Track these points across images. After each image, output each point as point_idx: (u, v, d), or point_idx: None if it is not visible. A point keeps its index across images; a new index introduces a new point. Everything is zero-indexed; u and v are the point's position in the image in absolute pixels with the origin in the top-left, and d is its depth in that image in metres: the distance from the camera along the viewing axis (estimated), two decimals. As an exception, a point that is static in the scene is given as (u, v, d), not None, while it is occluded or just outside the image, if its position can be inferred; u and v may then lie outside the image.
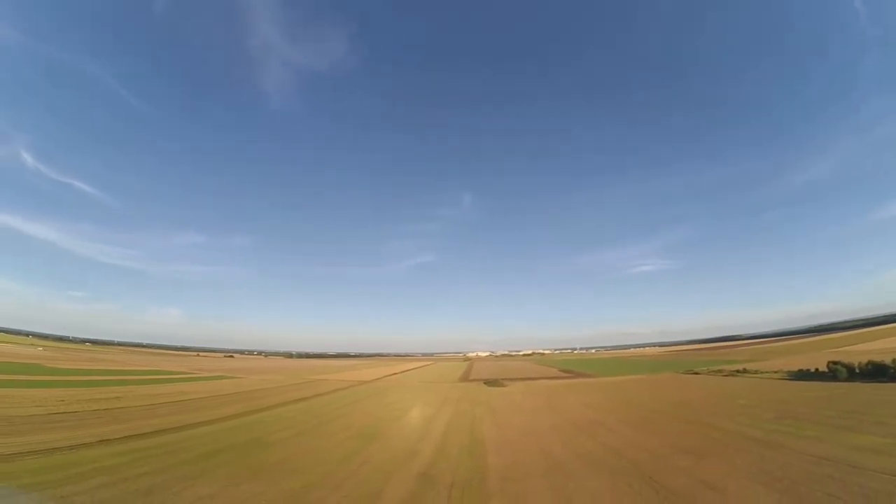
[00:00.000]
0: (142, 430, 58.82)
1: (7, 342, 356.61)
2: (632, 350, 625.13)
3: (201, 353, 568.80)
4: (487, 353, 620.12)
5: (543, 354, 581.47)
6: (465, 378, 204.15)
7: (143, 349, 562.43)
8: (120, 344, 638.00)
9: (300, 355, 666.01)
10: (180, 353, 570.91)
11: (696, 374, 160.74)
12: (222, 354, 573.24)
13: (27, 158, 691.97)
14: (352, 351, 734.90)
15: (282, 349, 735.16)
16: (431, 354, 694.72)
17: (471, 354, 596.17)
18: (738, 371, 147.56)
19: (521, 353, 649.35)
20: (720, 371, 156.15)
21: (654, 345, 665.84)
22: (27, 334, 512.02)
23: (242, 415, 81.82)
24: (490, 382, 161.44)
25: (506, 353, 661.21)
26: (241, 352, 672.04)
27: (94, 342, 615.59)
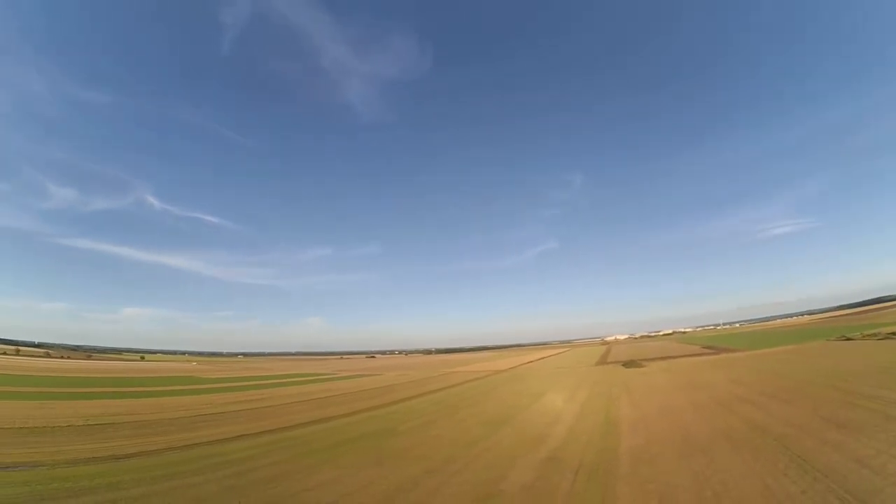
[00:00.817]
0: (278, 426, 60.92)
1: (166, 360, 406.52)
2: (778, 321, 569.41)
3: (344, 357, 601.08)
4: (626, 336, 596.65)
5: (685, 333, 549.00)
6: (602, 361, 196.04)
7: (290, 357, 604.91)
8: (269, 354, 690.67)
9: (438, 351, 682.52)
10: (325, 357, 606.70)
11: (849, 339, 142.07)
12: (364, 356, 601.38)
13: (154, 202, 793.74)
14: (488, 343, 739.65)
15: (420, 347, 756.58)
16: (569, 342, 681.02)
17: (609, 338, 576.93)
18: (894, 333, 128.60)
19: (660, 333, 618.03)
20: (875, 335, 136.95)
21: (800, 314, 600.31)
22: (183, 353, 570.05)
23: (374, 408, 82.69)
24: (628, 364, 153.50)
25: (645, 334, 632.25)
26: (383, 352, 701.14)
27: (245, 354, 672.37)
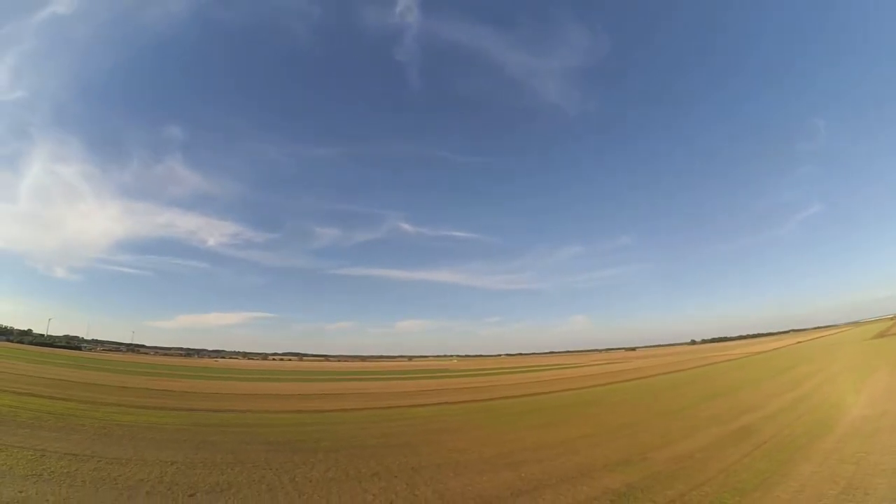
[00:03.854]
0: (490, 397, 72.32)
1: (431, 360, 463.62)
2: None
3: (605, 351, 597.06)
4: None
5: None
6: (882, 335, 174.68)
7: (551, 354, 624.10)
8: (537, 354, 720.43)
9: (703, 341, 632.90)
10: (583, 353, 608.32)
11: None
12: (624, 350, 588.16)
13: (407, 228, 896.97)
14: (759, 331, 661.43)
15: (685, 339, 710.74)
16: (858, 323, 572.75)
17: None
18: None
19: None
20: None
21: None
22: (451, 356, 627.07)
23: (595, 386, 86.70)
24: None
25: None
26: (646, 347, 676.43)
27: (509, 354, 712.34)
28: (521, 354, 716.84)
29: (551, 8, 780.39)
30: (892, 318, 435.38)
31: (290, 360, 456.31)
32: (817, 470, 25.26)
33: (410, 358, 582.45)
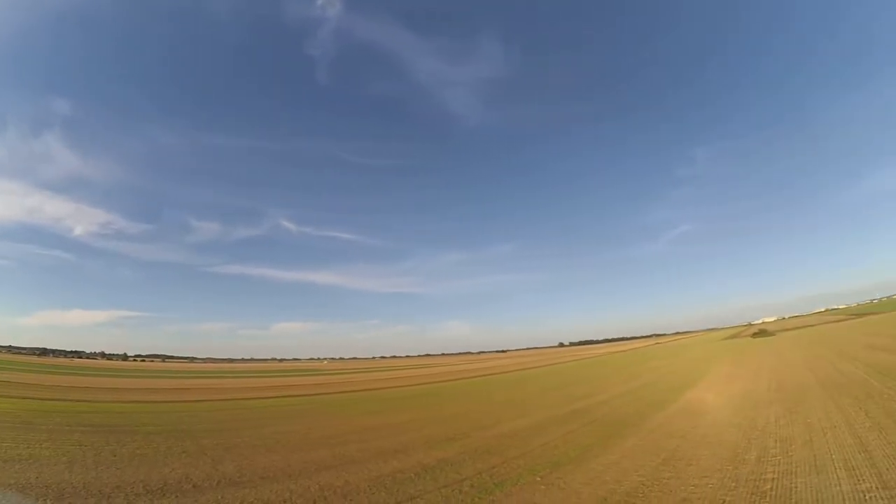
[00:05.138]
0: (338, 391, 73.64)
1: (307, 362, 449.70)
2: None
3: (478, 354, 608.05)
4: (774, 318, 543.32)
5: (838, 309, 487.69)
6: (733, 337, 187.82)
7: (430, 356, 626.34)
8: (412, 356, 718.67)
9: (571, 344, 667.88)
10: (461, 356, 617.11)
11: None
12: (496, 352, 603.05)
13: (290, 226, 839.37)
14: (625, 335, 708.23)
15: (554, 342, 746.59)
16: (714, 329, 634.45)
17: (756, 322, 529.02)
18: None
19: (812, 312, 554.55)
20: None
21: None
22: (326, 358, 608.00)
23: (446, 381, 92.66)
24: (757, 334, 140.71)
25: (795, 315, 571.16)
26: (517, 350, 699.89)
27: (384, 357, 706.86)
28: (395, 357, 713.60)
29: (472, 20, 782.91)
30: (745, 326, 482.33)
31: (153, 361, 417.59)
32: (640, 443, 24.39)
33: (281, 360, 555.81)
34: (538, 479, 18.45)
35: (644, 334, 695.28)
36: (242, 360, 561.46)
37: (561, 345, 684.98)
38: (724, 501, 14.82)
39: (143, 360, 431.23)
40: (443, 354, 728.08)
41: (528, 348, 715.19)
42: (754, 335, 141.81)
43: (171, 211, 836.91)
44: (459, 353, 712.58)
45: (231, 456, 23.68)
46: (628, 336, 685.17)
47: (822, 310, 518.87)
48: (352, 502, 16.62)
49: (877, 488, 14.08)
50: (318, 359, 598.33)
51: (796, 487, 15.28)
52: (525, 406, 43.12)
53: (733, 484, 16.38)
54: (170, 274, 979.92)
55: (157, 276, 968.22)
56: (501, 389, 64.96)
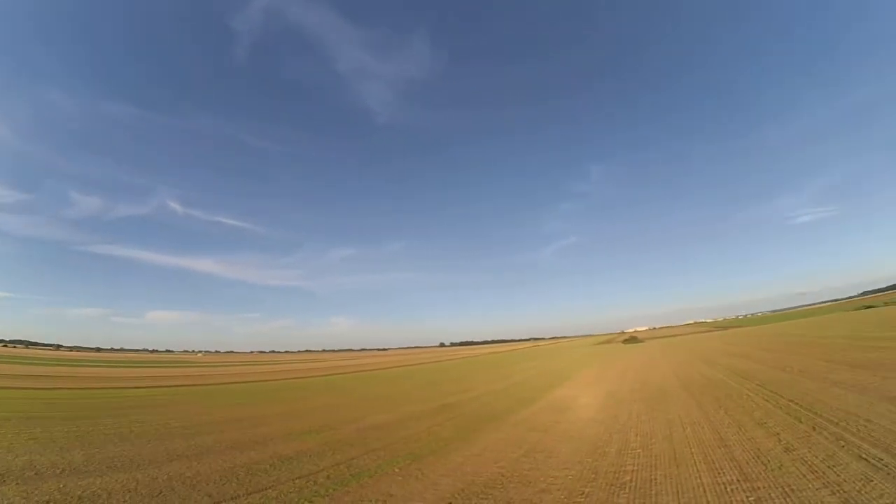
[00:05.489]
0: (207, 383, 70.44)
1: (182, 354, 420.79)
2: (803, 308, 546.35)
3: (360, 351, 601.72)
4: (646, 328, 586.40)
5: (704, 322, 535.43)
6: (606, 342, 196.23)
7: (310, 352, 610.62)
8: (291, 352, 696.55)
9: (452, 344, 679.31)
10: (342, 353, 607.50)
11: (871, 307, 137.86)
12: (378, 350, 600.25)
13: (176, 207, 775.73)
14: (506, 337, 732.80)
15: (436, 342, 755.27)
16: (590, 335, 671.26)
17: (629, 330, 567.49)
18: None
19: (681, 324, 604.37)
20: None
21: (826, 302, 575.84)
22: (200, 351, 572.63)
23: (319, 376, 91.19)
24: (628, 341, 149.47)
25: (665, 325, 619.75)
26: (399, 349, 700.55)
27: (262, 352, 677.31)
28: (274, 353, 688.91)
29: (409, 16, 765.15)
30: (618, 333, 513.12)
31: (15, 347, 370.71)
32: (504, 437, 24.05)
33: (153, 351, 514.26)
34: (397, 470, 18.18)
35: (524, 337, 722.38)
36: (112, 349, 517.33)
37: (442, 345, 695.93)
38: (582, 492, 14.31)
39: (6, 346, 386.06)
40: (323, 351, 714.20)
41: (410, 347, 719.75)
42: (625, 341, 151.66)
43: (52, 181, 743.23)
44: (341, 350, 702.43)
45: (81, 444, 22.80)
46: (508, 339, 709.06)
47: (691, 322, 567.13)
48: (199, 492, 15.76)
49: (738, 480, 13.84)
50: (193, 351, 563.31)
51: (656, 479, 14.93)
52: (395, 401, 42.65)
53: (592, 475, 16.04)
54: (42, 251, 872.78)
55: (27, 253, 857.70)
56: (375, 385, 64.08)
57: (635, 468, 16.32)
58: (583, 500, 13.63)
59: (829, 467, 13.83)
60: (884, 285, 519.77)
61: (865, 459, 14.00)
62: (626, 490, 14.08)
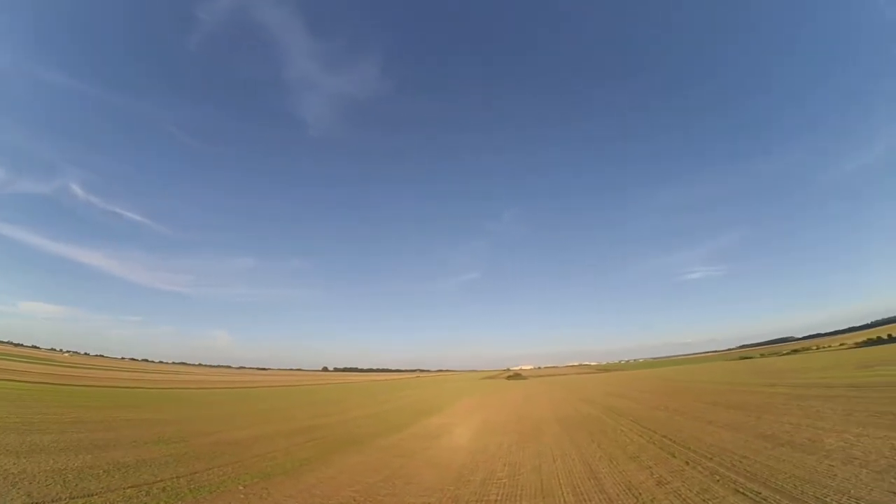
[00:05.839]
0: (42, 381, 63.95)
1: (47, 352, 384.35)
2: (685, 356, 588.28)
3: (238, 369, 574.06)
4: (532, 367, 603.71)
5: (590, 365, 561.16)
6: (493, 377, 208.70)
7: (186, 365, 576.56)
8: (168, 363, 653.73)
9: (336, 369, 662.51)
10: (218, 369, 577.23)
11: (748, 358, 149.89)
12: (256, 369, 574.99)
13: (77, 190, 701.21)
14: (391, 366, 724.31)
15: (318, 366, 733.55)
16: (475, 371, 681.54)
17: (515, 368, 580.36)
18: (795, 350, 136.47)
19: (566, 365, 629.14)
20: (777, 353, 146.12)
21: (706, 353, 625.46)
22: (67, 351, 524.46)
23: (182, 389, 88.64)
24: (512, 377, 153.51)
25: (551, 366, 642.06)
26: (281, 369, 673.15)
27: (134, 359, 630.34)
28: (147, 361, 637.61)
29: (366, 36, 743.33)
30: (504, 370, 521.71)
31: None
32: (365, 460, 22.58)
33: (18, 344, 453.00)
34: (241, 488, 16.89)
35: (410, 368, 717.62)
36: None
37: (325, 369, 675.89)
38: None
39: None
40: (200, 365, 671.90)
41: (292, 369, 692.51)
42: (509, 377, 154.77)
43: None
44: (219, 366, 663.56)
45: None
46: (394, 368, 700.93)
47: (576, 364, 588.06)
48: (19, 490, 14.46)
49: None
50: (60, 350, 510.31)
51: None
52: (258, 419, 40.52)
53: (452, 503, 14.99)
54: None
55: None
56: (243, 403, 61.17)
57: (499, 498, 15.15)
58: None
59: (703, 501, 13.10)
60: (761, 340, 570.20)
61: (742, 493, 13.39)
62: (486, 519, 12.67)
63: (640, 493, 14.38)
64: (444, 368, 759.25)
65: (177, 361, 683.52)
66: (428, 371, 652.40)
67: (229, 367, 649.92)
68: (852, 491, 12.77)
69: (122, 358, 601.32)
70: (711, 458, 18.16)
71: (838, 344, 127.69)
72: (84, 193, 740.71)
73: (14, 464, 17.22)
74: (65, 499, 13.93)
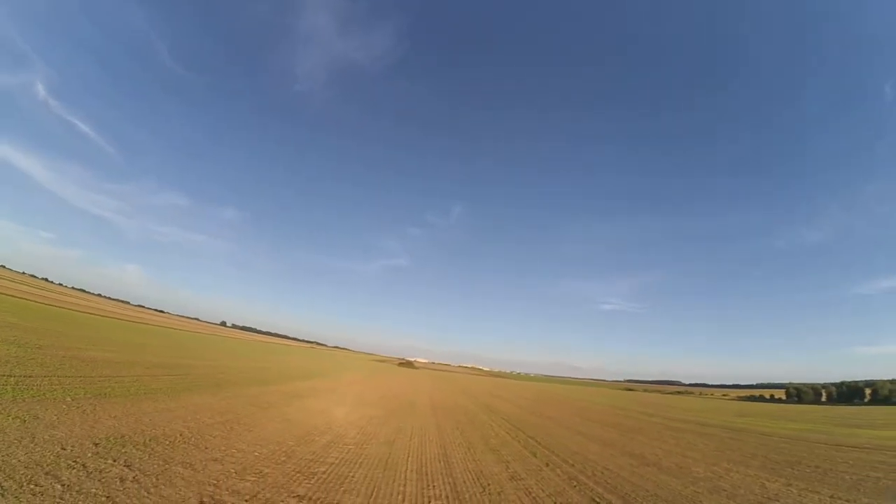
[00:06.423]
0: None
1: None
2: (573, 379, 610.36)
3: (137, 307, 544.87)
4: (427, 360, 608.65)
5: (480, 369, 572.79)
6: (384, 361, 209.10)
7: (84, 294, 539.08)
8: (68, 287, 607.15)
9: (234, 326, 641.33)
10: (118, 303, 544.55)
11: (632, 390, 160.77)
12: (153, 311, 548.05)
13: (40, 90, 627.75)
14: (290, 334, 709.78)
15: (220, 320, 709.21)
16: (371, 354, 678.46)
17: (409, 358, 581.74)
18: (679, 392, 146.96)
19: (460, 365, 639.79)
20: (661, 391, 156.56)
21: (594, 380, 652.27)
22: None
23: None
24: (404, 364, 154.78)
25: (444, 363, 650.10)
26: (186, 317, 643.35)
27: (36, 277, 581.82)
28: (47, 280, 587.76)
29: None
30: (400, 358, 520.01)
31: None
32: (215, 403, 21.29)
33: None
34: (69, 399, 15.74)
35: (308, 339, 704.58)
36: None
37: (223, 324, 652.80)
38: (260, 472, 11.79)
39: None
40: (99, 295, 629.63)
41: (189, 317, 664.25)
42: (400, 364, 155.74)
43: None
44: (117, 300, 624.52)
45: None
46: (291, 336, 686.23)
47: (469, 365, 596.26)
48: None
49: (446, 497, 11.77)
50: None
51: (353, 477, 12.66)
52: (126, 348, 39.81)
53: (284, 458, 13.88)
54: None
55: None
56: (119, 331, 60.25)
57: (336, 462, 14.03)
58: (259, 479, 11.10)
59: (554, 503, 12.24)
60: (649, 378, 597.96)
61: (597, 502, 12.69)
62: (313, 479, 11.75)
63: (488, 484, 13.49)
64: (341, 346, 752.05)
65: (77, 287, 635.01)
66: (324, 345, 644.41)
67: (128, 302, 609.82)
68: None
69: (24, 273, 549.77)
70: (573, 465, 17.62)
71: (721, 394, 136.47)
72: (45, 95, 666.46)
73: None
74: None
